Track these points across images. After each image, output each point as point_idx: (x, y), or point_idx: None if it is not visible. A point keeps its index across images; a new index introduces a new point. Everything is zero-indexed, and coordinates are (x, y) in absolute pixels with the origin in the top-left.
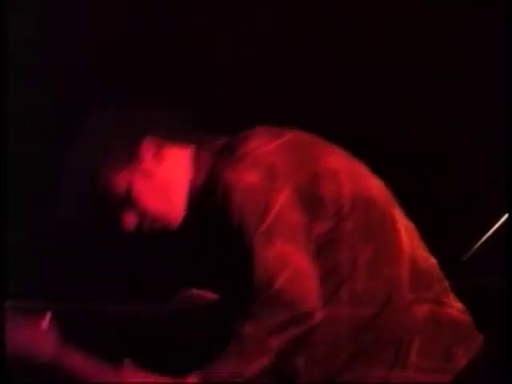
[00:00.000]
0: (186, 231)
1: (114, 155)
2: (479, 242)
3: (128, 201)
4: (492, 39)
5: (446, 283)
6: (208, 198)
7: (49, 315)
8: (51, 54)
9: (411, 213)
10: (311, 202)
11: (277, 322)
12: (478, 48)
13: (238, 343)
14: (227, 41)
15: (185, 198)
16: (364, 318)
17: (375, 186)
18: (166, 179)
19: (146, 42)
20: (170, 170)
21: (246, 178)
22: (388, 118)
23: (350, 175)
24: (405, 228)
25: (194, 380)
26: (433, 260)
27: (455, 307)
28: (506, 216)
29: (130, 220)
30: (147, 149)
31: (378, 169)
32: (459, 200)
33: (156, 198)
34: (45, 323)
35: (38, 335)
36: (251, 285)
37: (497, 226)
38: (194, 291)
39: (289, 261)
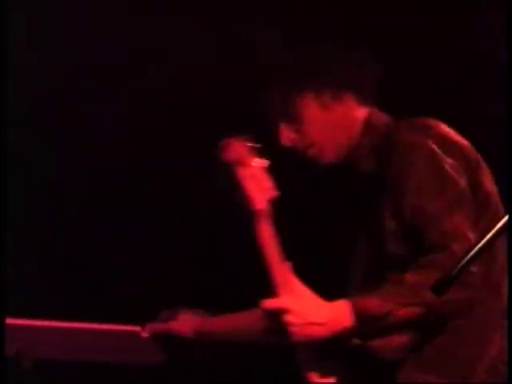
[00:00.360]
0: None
1: (312, 76)
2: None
3: (296, 119)
4: (492, 39)
5: None
6: (378, 155)
7: None
8: (51, 54)
9: None
10: (472, 204)
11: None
12: (478, 48)
13: (395, 285)
14: (226, 40)
15: (345, 145)
16: (451, 325)
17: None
18: (336, 120)
19: (146, 42)
20: (343, 116)
21: (433, 146)
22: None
23: (498, 203)
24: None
25: (345, 304)
26: None
27: None
28: (506, 219)
29: (289, 135)
30: (337, 88)
31: None
32: None
33: (320, 130)
34: None
35: None
36: (422, 244)
37: (492, 233)
38: (183, 311)
39: (465, 234)
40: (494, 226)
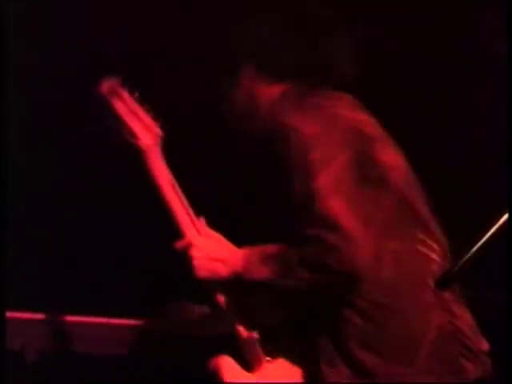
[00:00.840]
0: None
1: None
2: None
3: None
4: (492, 39)
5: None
6: (269, 131)
7: None
8: (51, 54)
9: None
10: (363, 180)
11: (320, 261)
12: (478, 48)
13: (286, 256)
14: (226, 40)
15: (253, 118)
16: (381, 308)
17: (418, 193)
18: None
19: (146, 42)
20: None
21: (307, 127)
22: (387, 117)
23: (402, 176)
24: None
25: (242, 252)
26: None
27: (469, 325)
28: (506, 216)
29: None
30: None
31: None
32: (459, 200)
33: (242, 101)
34: None
35: None
36: (302, 222)
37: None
38: (183, 304)
39: (337, 222)
40: (397, 203)
